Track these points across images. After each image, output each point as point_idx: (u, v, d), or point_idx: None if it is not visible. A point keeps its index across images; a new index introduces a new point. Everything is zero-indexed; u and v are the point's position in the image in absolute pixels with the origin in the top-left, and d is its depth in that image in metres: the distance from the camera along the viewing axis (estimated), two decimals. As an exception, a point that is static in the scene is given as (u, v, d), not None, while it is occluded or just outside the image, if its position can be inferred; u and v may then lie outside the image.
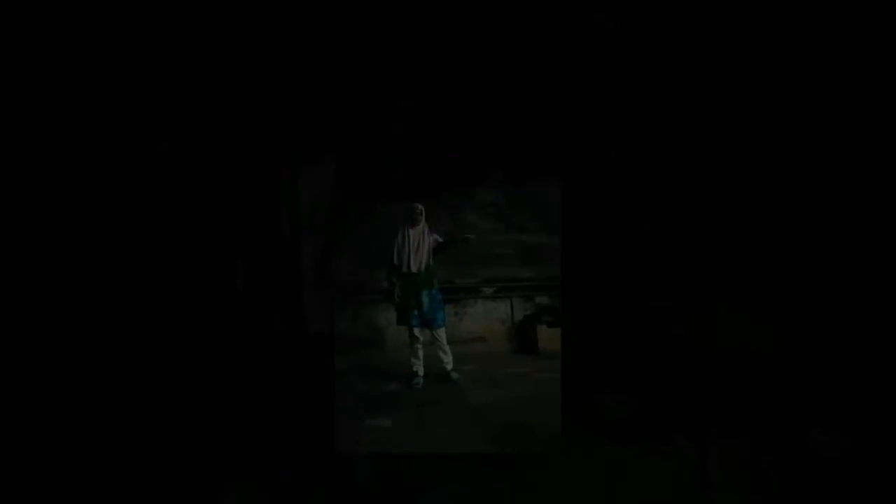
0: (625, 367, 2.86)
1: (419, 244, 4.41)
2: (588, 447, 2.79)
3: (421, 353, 4.44)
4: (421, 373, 4.39)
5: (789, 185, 2.91)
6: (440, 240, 4.54)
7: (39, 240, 2.82)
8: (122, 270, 2.85)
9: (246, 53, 2.99)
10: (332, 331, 3.02)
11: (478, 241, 5.86)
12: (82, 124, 2.88)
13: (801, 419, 2.78)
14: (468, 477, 2.79)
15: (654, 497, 2.75)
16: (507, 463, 2.86)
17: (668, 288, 2.90)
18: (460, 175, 4.62)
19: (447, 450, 3.11)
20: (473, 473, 2.80)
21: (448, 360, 4.44)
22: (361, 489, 2.72)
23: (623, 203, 2.95)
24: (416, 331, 4.43)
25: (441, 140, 3.52)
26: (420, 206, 4.42)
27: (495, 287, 5.88)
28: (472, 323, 5.84)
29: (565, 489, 2.76)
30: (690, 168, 2.94)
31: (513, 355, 5.51)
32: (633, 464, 2.78)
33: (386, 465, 2.84)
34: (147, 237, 2.88)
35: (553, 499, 2.77)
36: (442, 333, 4.44)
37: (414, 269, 4.38)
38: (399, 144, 3.37)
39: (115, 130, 2.92)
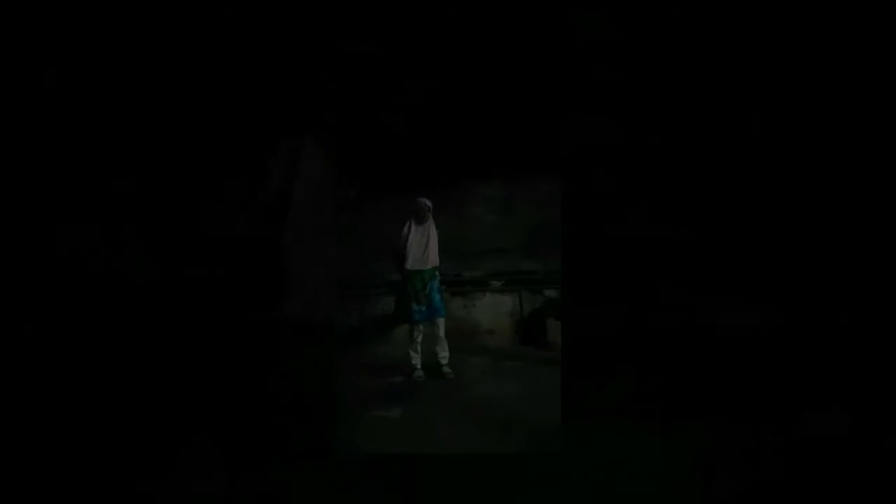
0: (625, 361, 2.85)
1: (428, 240, 4.40)
2: (591, 440, 2.79)
3: (420, 347, 4.44)
4: (419, 366, 4.40)
5: (788, 178, 2.89)
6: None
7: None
8: (117, 265, 2.88)
9: (246, 48, 3.00)
10: (334, 324, 3.04)
11: (484, 235, 5.89)
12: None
13: (800, 402, 2.77)
14: (471, 470, 2.80)
15: (658, 489, 2.75)
16: (513, 456, 2.87)
17: (670, 280, 2.89)
18: (464, 170, 4.64)
19: (452, 443, 3.13)
20: (477, 467, 2.81)
21: (444, 355, 4.42)
22: None
23: (623, 197, 2.94)
24: (420, 325, 4.43)
25: (443, 135, 3.52)
26: (427, 202, 4.40)
27: (503, 280, 5.88)
28: (481, 316, 5.84)
29: (570, 481, 2.77)
30: (691, 162, 2.93)
31: (522, 348, 5.50)
32: (636, 456, 2.78)
33: (388, 460, 2.85)
34: (142, 233, 2.91)
35: (556, 492, 2.78)
36: (442, 325, 4.44)
37: (428, 265, 4.38)
38: (401, 138, 3.37)
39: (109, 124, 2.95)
